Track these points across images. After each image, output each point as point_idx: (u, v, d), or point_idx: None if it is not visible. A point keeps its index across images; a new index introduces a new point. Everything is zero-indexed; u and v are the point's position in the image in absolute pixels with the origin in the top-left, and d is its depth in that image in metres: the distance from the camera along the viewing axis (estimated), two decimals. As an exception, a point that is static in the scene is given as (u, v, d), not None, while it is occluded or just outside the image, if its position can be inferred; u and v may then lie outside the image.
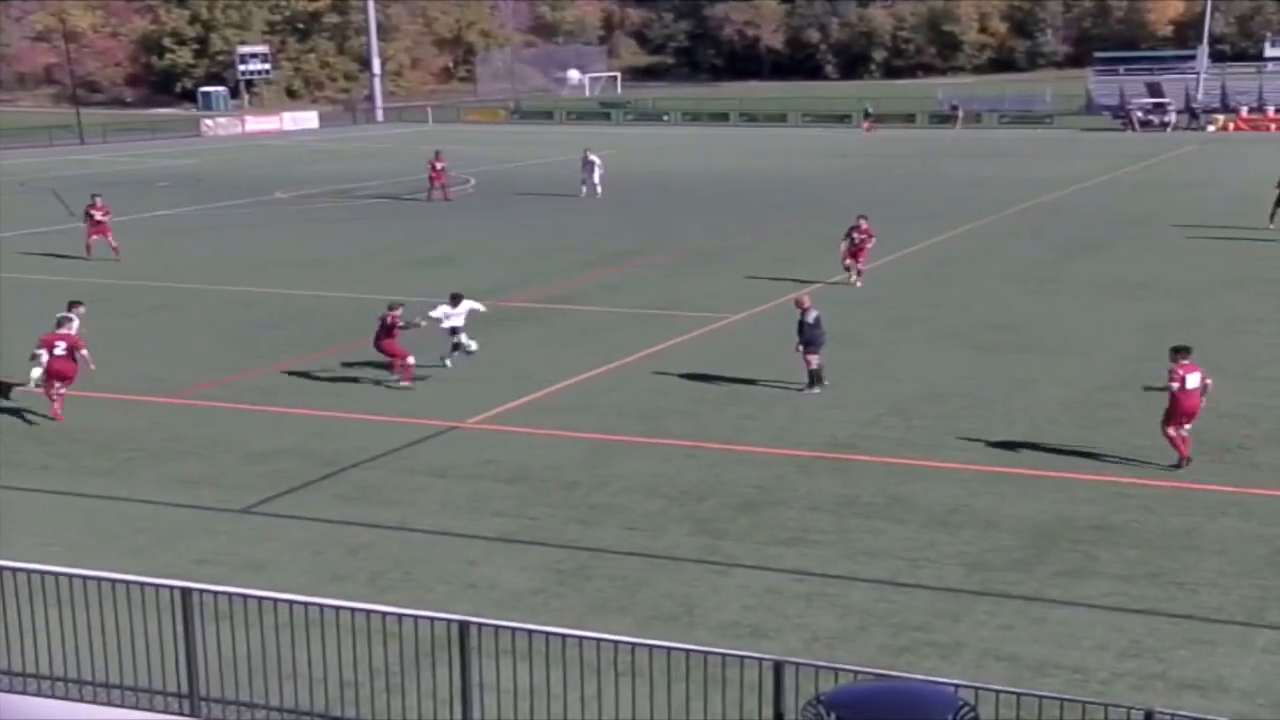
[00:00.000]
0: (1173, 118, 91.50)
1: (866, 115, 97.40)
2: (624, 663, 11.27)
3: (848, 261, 33.94)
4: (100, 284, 35.45)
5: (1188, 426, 19.46)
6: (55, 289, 35.07)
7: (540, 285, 34.78)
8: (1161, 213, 48.31)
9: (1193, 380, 19.15)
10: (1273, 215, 43.36)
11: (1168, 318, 29.88)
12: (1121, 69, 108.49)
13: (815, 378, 23.87)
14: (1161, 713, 9.68)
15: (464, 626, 11.27)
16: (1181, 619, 14.49)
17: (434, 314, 25.44)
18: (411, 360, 24.56)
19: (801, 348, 23.68)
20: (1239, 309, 30.79)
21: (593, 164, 55.60)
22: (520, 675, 11.64)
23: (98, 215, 39.95)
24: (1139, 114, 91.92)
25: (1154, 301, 31.93)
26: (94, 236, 39.80)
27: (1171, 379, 19.21)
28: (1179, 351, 19.52)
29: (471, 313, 25.91)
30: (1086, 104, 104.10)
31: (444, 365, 25.66)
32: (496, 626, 11.54)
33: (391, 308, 24.75)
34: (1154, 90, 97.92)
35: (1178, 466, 19.29)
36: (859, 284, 33.53)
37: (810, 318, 23.68)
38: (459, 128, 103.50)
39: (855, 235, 33.83)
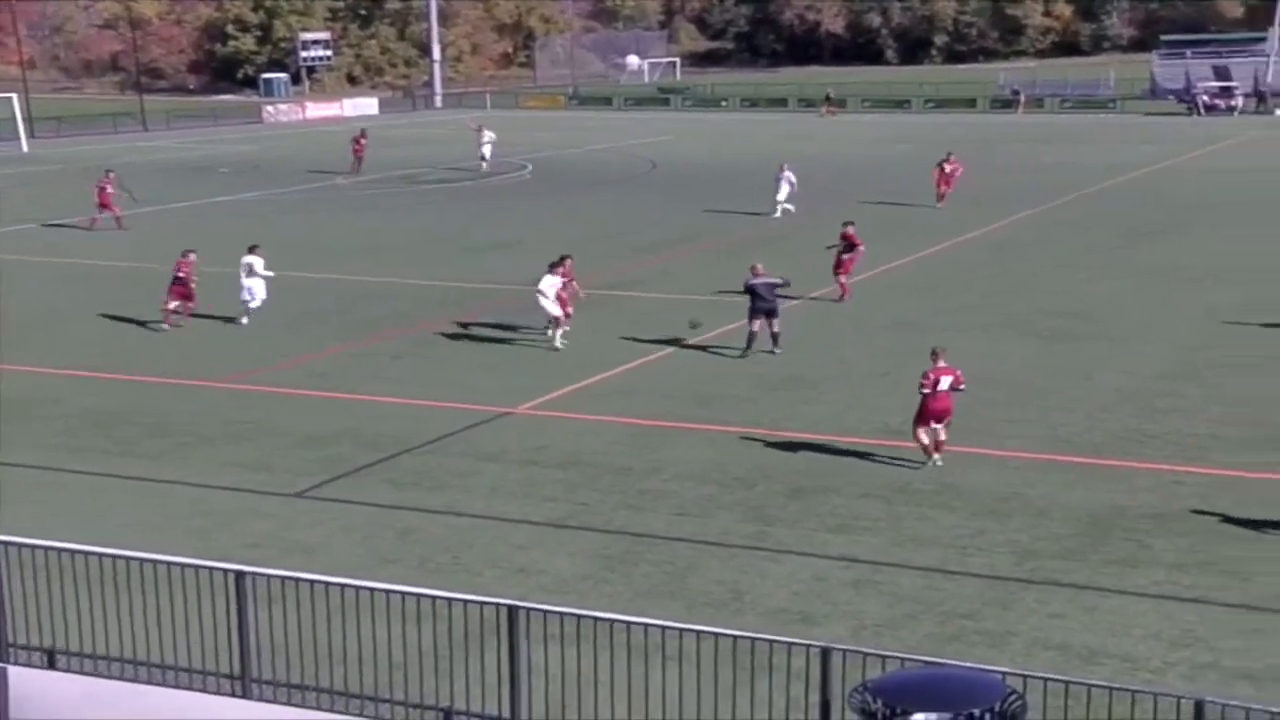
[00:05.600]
0: (1239, 102, 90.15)
1: (828, 100, 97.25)
2: (672, 648, 11.28)
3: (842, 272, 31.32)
4: (160, 269, 35.84)
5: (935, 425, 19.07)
6: (118, 274, 35.56)
7: (594, 271, 34.79)
8: (1226, 198, 47.68)
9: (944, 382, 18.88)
10: None
11: (1229, 304, 29.51)
12: (1188, 52, 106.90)
13: (752, 341, 25.53)
14: (1213, 702, 9.59)
15: (513, 611, 11.31)
16: (1235, 608, 14.34)
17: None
18: (190, 305, 29.07)
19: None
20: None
21: (484, 137, 60.05)
22: (568, 660, 11.71)
23: (110, 189, 43.75)
24: (1205, 98, 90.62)
25: (1215, 288, 31.53)
26: (103, 211, 43.53)
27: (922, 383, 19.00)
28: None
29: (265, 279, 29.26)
30: (1151, 88, 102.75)
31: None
32: (545, 611, 11.59)
33: (184, 254, 29.29)
34: (1221, 74, 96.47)
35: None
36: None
37: (753, 282, 25.38)
38: (518, 114, 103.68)
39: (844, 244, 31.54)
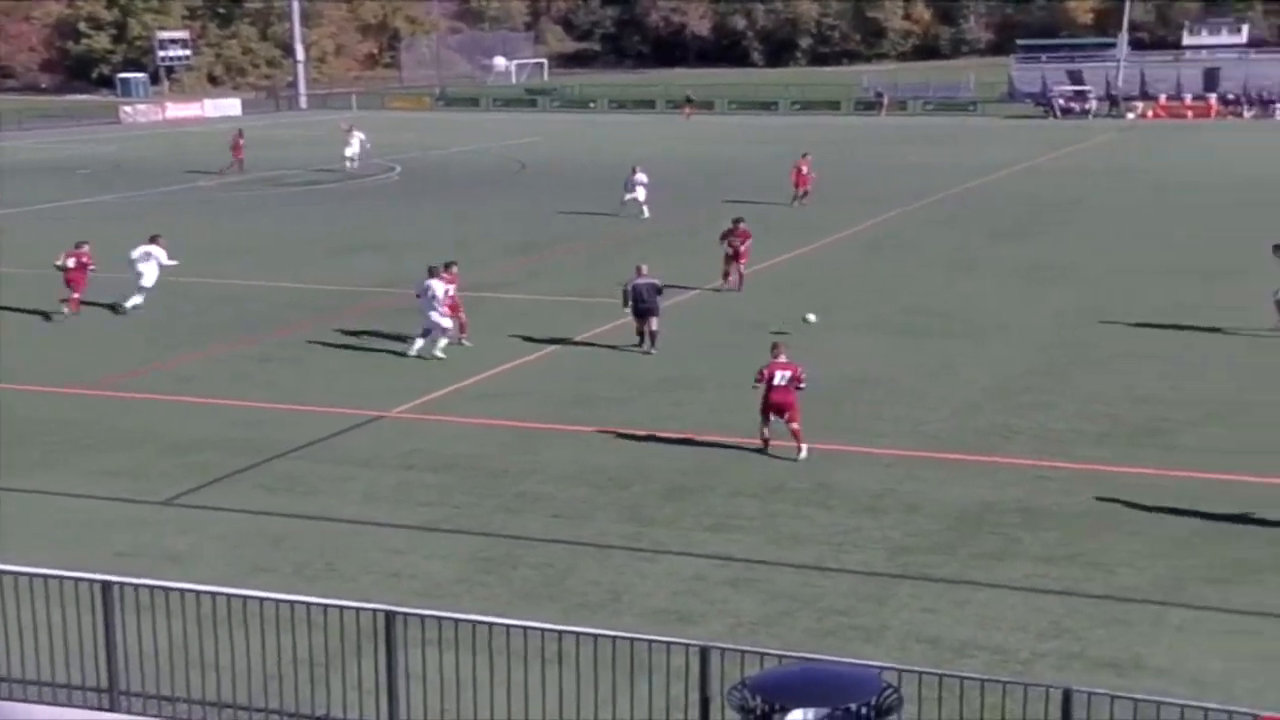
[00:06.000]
0: (1093, 105, 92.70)
1: (688, 101, 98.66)
2: (550, 650, 11.29)
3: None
4: (15, 274, 34.86)
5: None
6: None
7: (465, 272, 34.59)
8: (1082, 199, 48.94)
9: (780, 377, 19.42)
10: None
11: (1087, 303, 30.28)
12: (1043, 57, 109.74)
13: (644, 338, 26.05)
14: (1079, 691, 9.84)
15: (389, 616, 11.23)
16: (1099, 599, 14.72)
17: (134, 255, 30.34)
18: (76, 296, 29.60)
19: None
20: (1157, 294, 31.23)
21: (352, 138, 60.14)
22: (446, 664, 11.62)
23: None
24: (1060, 101, 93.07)
25: (1074, 287, 32.32)
26: None
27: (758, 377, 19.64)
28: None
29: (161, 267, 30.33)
30: (1009, 91, 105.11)
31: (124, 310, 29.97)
32: (422, 616, 11.50)
33: (78, 245, 30.06)
34: (1075, 78, 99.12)
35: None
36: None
37: (635, 283, 25.75)
38: (384, 114, 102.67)
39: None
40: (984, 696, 10.72)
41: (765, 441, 19.75)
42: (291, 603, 11.64)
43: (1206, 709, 9.77)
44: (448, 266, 26.30)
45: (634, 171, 45.15)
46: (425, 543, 16.60)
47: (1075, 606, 14.52)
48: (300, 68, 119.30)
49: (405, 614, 11.36)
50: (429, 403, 22.84)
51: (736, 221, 32.21)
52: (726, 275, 32.04)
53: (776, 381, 19.40)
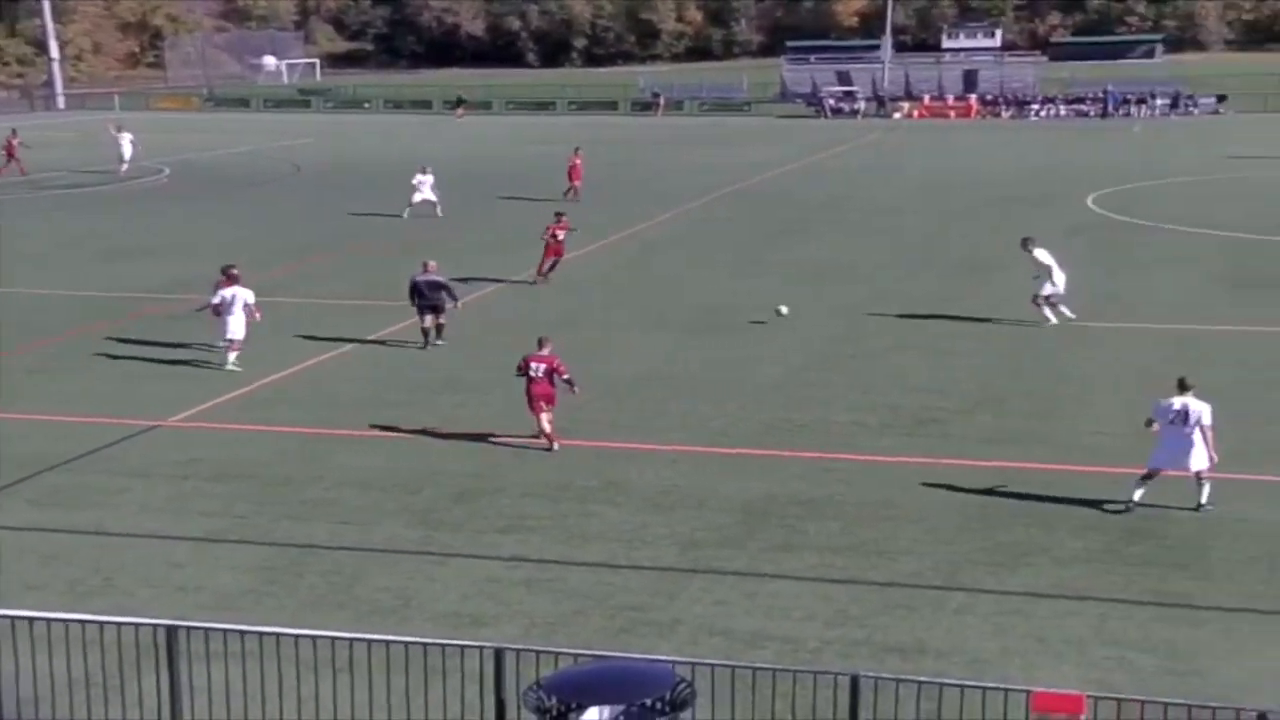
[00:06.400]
0: (862, 105, 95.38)
1: (460, 102, 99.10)
2: (341, 658, 11.07)
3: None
4: None
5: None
6: None
7: (244, 276, 33.77)
8: (852, 197, 50.24)
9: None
10: None
11: (861, 298, 31.09)
12: (813, 58, 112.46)
13: (427, 336, 26.06)
14: (866, 677, 10.10)
15: (171, 631, 10.91)
16: (883, 586, 15.12)
17: None
18: None
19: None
20: (924, 288, 32.28)
21: (123, 139, 58.86)
22: (233, 677, 11.36)
23: None
24: (830, 102, 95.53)
25: (847, 283, 33.14)
26: None
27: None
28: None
29: None
30: (781, 92, 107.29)
31: None
32: (206, 629, 11.21)
33: None
34: (844, 79, 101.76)
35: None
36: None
37: (417, 279, 25.88)
38: (150, 115, 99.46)
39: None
40: (775, 685, 10.92)
41: (548, 439, 19.83)
42: (65, 621, 11.21)
43: (984, 688, 10.13)
44: (226, 270, 25.52)
45: (422, 171, 44.88)
46: (208, 554, 16.14)
47: (860, 594, 14.90)
48: (55, 66, 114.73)
49: (188, 628, 11.04)
50: (208, 410, 22.21)
51: (559, 215, 33.45)
52: (540, 268, 32.71)
53: (532, 373, 19.73)
